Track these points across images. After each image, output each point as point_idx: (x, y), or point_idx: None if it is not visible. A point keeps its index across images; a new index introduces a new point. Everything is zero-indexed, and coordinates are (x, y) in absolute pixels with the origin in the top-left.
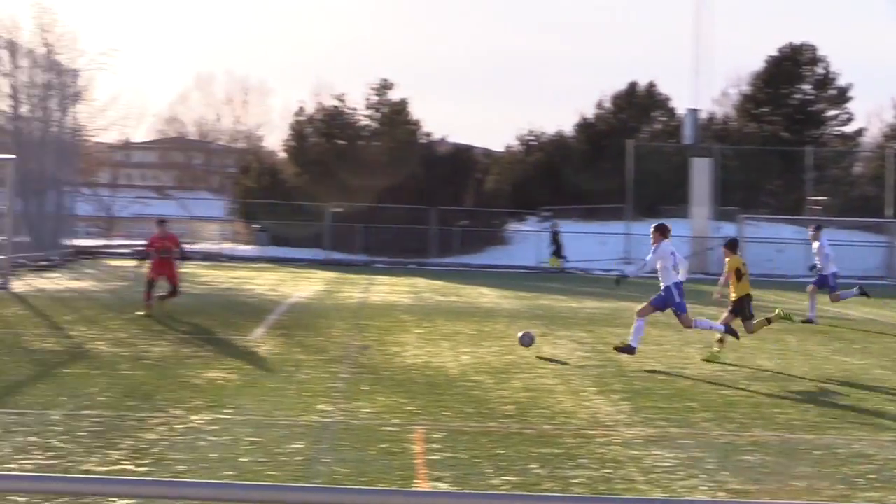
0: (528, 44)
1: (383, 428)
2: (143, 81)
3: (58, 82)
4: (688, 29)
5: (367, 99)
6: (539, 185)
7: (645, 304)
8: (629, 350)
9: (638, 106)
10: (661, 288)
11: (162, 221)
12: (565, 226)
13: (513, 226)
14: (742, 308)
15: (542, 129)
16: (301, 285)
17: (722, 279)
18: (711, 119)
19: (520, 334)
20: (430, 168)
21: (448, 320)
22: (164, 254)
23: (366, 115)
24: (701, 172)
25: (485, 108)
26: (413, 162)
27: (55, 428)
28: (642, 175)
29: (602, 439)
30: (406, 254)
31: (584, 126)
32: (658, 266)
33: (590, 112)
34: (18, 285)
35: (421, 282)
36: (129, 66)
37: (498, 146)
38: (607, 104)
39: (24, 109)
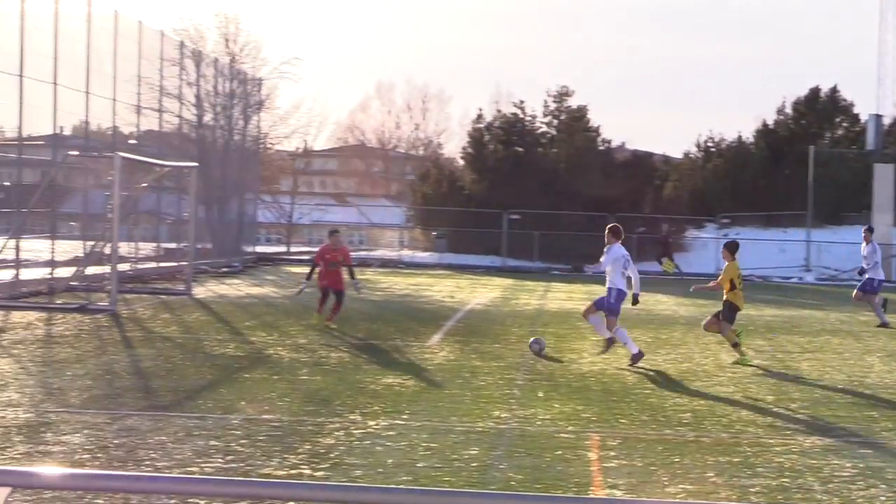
0: (707, 48)
1: (559, 435)
2: (324, 90)
3: (241, 91)
4: (871, 33)
5: (546, 106)
6: (718, 191)
7: (589, 304)
8: (638, 357)
9: (820, 112)
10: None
11: (334, 232)
12: (744, 233)
13: (691, 232)
14: (728, 312)
15: (721, 135)
16: (478, 292)
17: (713, 283)
18: (895, 124)
19: (531, 340)
20: (608, 175)
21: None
22: (333, 266)
23: (544, 122)
24: (883, 179)
25: (664, 114)
26: (591, 169)
27: (235, 432)
28: (823, 181)
29: (780, 448)
30: (583, 260)
31: (765, 132)
32: (608, 269)
33: (770, 118)
34: (200, 291)
35: (598, 289)
36: (311, 74)
37: (677, 153)
38: (788, 110)
39: (207, 118)
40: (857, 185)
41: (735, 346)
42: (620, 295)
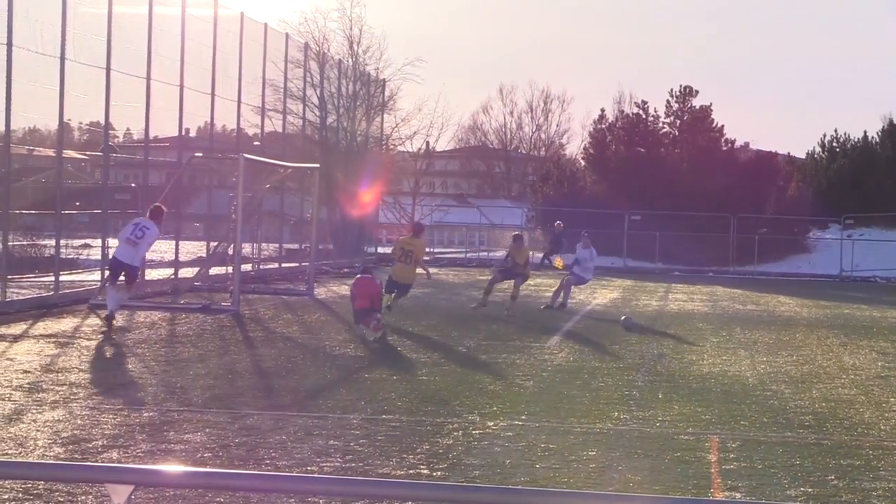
0: (832, 45)
1: (678, 436)
2: (447, 91)
3: (364, 92)
4: None
5: (669, 106)
6: (842, 192)
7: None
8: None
9: None
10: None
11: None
12: (869, 233)
13: (815, 233)
14: None
15: (846, 134)
16: (598, 293)
17: None
18: None
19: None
20: (730, 175)
21: (746, 329)
22: None
23: (667, 122)
24: None
25: (788, 114)
26: (714, 169)
27: (354, 432)
28: None
29: None
30: (705, 261)
31: (891, 131)
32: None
33: None
34: (322, 292)
35: (719, 290)
36: (434, 75)
37: (801, 152)
38: None
39: (331, 119)
40: None
41: None
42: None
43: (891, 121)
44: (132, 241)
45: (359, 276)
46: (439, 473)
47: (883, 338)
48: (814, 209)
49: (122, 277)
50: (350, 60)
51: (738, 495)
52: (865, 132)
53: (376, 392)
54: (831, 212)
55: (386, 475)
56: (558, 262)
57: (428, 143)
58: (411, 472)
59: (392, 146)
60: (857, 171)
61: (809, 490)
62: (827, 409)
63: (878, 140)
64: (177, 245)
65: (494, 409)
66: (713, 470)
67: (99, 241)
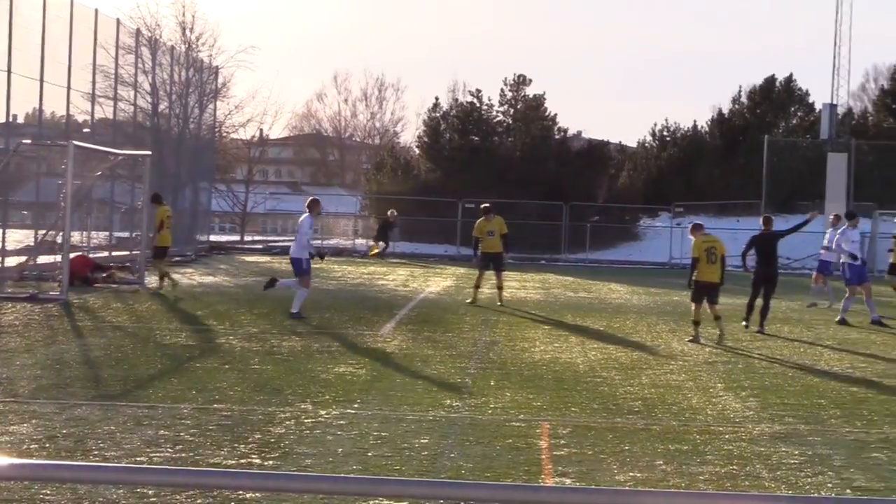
0: (664, 37)
1: (510, 423)
2: (281, 79)
3: (197, 79)
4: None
5: (503, 95)
6: (672, 180)
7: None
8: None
9: (775, 101)
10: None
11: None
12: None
13: (645, 221)
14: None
15: (676, 123)
16: (432, 281)
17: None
18: (849, 114)
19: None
20: (563, 163)
21: (577, 316)
22: None
23: (501, 111)
24: (837, 168)
25: (620, 103)
26: (547, 157)
27: (185, 421)
28: (777, 170)
29: (729, 436)
30: (537, 249)
31: (720, 121)
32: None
33: (726, 107)
34: (153, 280)
35: (551, 277)
36: (268, 63)
37: (632, 141)
38: (744, 99)
39: (163, 106)
40: (810, 174)
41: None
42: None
43: (720, 111)
44: None
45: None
46: (271, 463)
47: (711, 324)
48: (644, 197)
49: None
50: (183, 47)
51: (569, 481)
52: (695, 122)
53: (207, 381)
54: (661, 200)
55: (217, 465)
56: (374, 249)
57: (261, 130)
58: (242, 461)
59: (225, 134)
60: (687, 160)
61: (638, 475)
62: (656, 395)
63: (707, 130)
64: (3, 234)
65: (327, 397)
66: (544, 456)
67: None
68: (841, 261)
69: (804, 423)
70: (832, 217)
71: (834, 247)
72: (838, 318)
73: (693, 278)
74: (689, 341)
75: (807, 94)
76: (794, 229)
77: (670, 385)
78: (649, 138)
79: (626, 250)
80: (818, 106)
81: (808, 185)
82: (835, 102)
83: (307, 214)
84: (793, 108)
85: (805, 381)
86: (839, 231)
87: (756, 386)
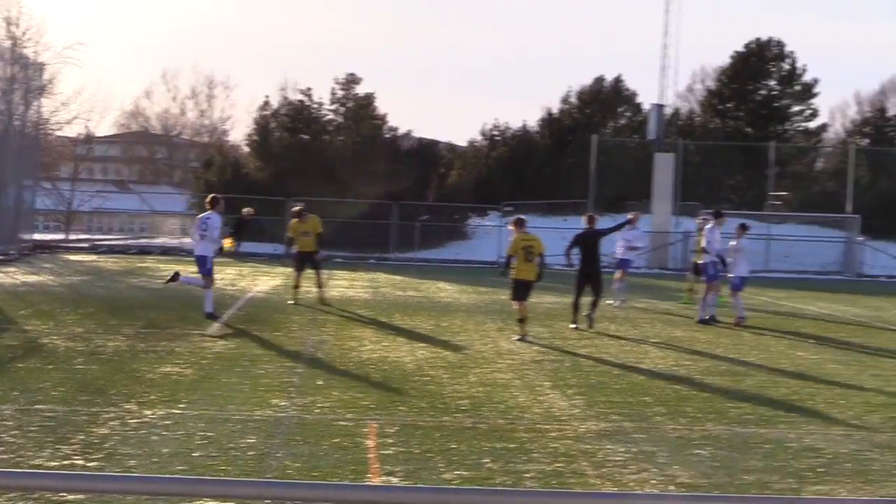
0: (495, 38)
1: (337, 423)
2: (109, 75)
3: (22, 76)
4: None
5: (333, 93)
6: (502, 179)
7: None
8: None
9: (604, 101)
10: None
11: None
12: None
13: (474, 220)
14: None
15: (506, 123)
16: (260, 280)
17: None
18: (676, 114)
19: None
20: (394, 163)
21: (406, 315)
22: None
23: (331, 110)
24: (664, 167)
25: (451, 103)
26: (377, 157)
27: (6, 423)
28: (605, 170)
29: (555, 434)
30: (367, 248)
31: (549, 121)
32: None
33: (555, 107)
34: None
35: (380, 277)
36: (95, 60)
37: (462, 141)
38: (573, 99)
39: None
40: (638, 174)
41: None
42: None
43: (549, 111)
44: None
45: None
46: (95, 464)
47: (538, 322)
48: (474, 196)
49: None
50: (7, 43)
51: (395, 480)
52: (525, 122)
53: (30, 382)
54: (491, 199)
55: (38, 467)
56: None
57: (88, 127)
58: (65, 463)
59: (50, 131)
60: (517, 160)
61: (465, 473)
62: (483, 394)
63: (537, 129)
64: None
65: (152, 397)
66: (371, 455)
67: None
68: (703, 260)
69: (629, 421)
70: (631, 216)
71: (707, 246)
72: (707, 315)
73: (511, 276)
74: (517, 340)
75: (635, 94)
76: (615, 228)
77: (497, 383)
78: (479, 138)
79: (455, 249)
80: (646, 106)
81: (636, 185)
82: (662, 103)
83: (213, 212)
84: (621, 109)
85: (630, 379)
86: (707, 230)
87: (582, 384)
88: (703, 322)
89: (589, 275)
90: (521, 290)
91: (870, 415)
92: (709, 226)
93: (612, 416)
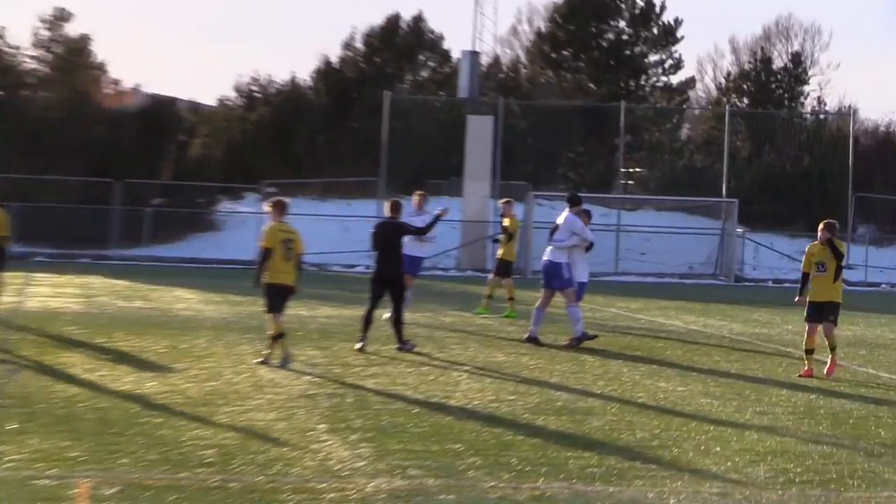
0: None
1: (35, 481)
2: None
3: None
4: None
5: (36, 35)
6: (263, 151)
7: None
8: None
9: (399, 47)
10: None
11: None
12: (299, 205)
13: (225, 205)
14: None
15: (269, 76)
16: None
17: None
18: (496, 65)
19: None
20: (115, 127)
21: (131, 334)
22: None
23: (32, 56)
24: (480, 135)
25: (194, 49)
26: (94, 119)
27: None
28: (403, 138)
29: (334, 495)
30: (78, 243)
31: (327, 73)
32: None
33: (334, 55)
34: None
35: (96, 281)
36: None
37: (210, 99)
38: (358, 44)
39: None
40: (445, 143)
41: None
42: None
43: (327, 60)
44: None
45: None
46: None
47: (311, 343)
48: (225, 174)
49: None
50: None
51: None
52: (294, 74)
53: None
54: (248, 177)
55: None
56: None
57: None
58: None
59: None
60: (283, 125)
61: None
62: (236, 441)
63: (310, 84)
64: None
65: None
66: None
67: None
68: (558, 260)
69: (433, 477)
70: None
71: (581, 234)
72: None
73: (265, 280)
74: (279, 366)
75: (441, 38)
76: (428, 227)
77: (255, 427)
78: (233, 95)
79: (200, 244)
80: (456, 54)
81: (442, 159)
82: (477, 50)
83: None
84: (423, 57)
85: (435, 419)
86: (568, 218)
87: (370, 427)
88: (532, 341)
89: (386, 280)
90: (278, 298)
91: (754, 466)
92: (566, 213)
93: (410, 471)
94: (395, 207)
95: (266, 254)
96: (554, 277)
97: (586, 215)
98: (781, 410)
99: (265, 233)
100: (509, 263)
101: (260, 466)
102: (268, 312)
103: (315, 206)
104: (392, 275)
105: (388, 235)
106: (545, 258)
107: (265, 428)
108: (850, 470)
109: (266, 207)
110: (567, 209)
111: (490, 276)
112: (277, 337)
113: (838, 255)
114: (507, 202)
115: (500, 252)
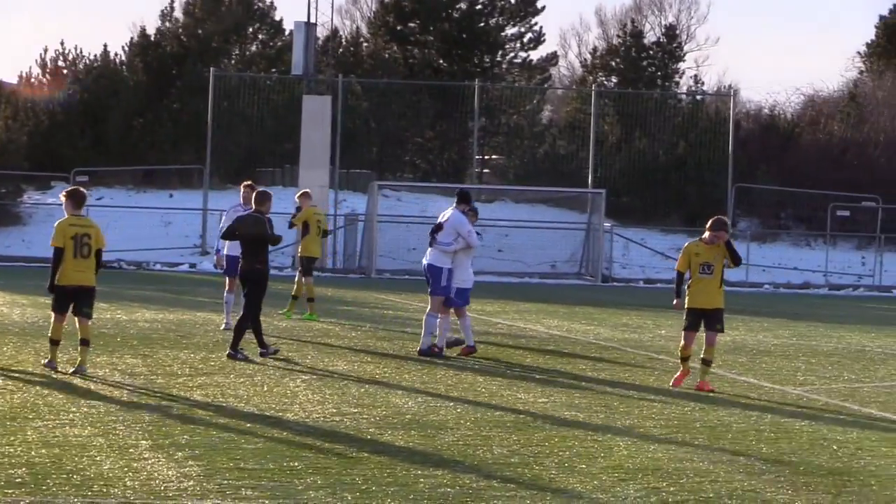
0: None
1: None
2: None
3: None
4: None
5: None
6: (72, 135)
7: None
8: None
9: (225, 17)
10: None
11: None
12: (113, 196)
13: (31, 196)
14: None
15: (78, 49)
16: None
17: None
18: (334, 38)
19: None
20: None
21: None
22: None
23: None
24: (317, 117)
25: None
26: None
27: None
28: (230, 121)
29: None
30: None
31: (143, 46)
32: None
33: (151, 26)
34: None
35: None
36: None
37: (10, 76)
38: (178, 14)
39: None
40: (278, 127)
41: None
42: None
43: (143, 30)
44: None
45: None
46: None
47: (129, 350)
48: (30, 161)
49: None
50: None
51: None
52: (106, 46)
53: None
54: (56, 165)
55: None
56: None
57: None
58: None
59: None
60: (96, 105)
61: None
62: (49, 459)
63: (125, 59)
64: None
65: None
66: None
67: None
68: (440, 264)
69: (269, 498)
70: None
71: (468, 238)
72: (441, 343)
73: (57, 282)
74: (72, 373)
75: (272, 7)
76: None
77: (70, 443)
78: (37, 70)
79: (3, 239)
80: (288, 26)
81: (275, 144)
82: (313, 21)
83: None
84: (251, 29)
85: (270, 434)
86: (454, 216)
87: (199, 443)
88: (426, 353)
89: (247, 276)
90: (63, 299)
91: (623, 485)
92: (451, 210)
93: (243, 492)
94: (262, 199)
95: (58, 253)
96: (432, 281)
97: (474, 214)
98: (653, 424)
99: (55, 229)
100: (311, 260)
101: (76, 487)
102: (53, 311)
103: (132, 197)
104: (256, 272)
105: (253, 226)
106: (425, 261)
107: (81, 444)
108: (729, 489)
109: (60, 198)
110: (453, 206)
111: (297, 274)
112: (55, 342)
113: (737, 260)
114: (303, 194)
115: (299, 249)
